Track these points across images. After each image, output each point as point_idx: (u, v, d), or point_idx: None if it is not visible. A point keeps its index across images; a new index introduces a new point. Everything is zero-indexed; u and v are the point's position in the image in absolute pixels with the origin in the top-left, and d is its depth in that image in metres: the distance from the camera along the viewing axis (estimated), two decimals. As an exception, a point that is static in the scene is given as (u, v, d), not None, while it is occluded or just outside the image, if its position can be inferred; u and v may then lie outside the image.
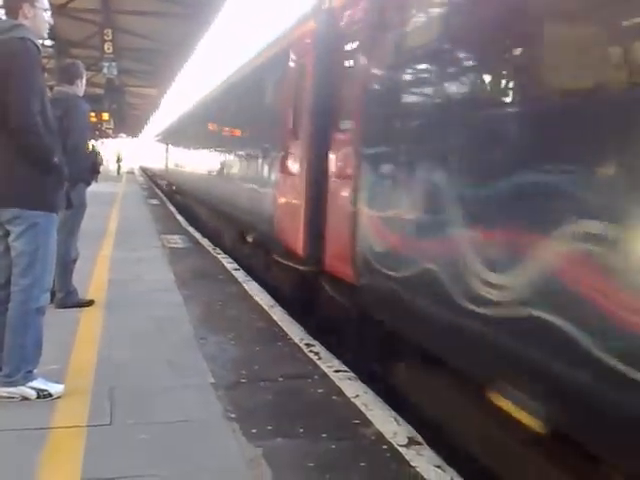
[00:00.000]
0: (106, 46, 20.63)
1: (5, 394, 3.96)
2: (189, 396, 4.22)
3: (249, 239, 9.78)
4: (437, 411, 4.21)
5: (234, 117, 11.93)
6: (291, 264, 6.97)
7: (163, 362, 4.86)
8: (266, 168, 8.40)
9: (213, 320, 6.21)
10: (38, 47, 3.96)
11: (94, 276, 8.08)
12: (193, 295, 7.26)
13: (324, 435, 3.68)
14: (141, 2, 18.60)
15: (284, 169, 7.35)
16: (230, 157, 11.98)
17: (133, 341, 5.38)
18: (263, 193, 8.49)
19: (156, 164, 39.97)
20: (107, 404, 4.00)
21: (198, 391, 4.32)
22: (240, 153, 10.79)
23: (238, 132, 11.34)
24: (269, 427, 3.75)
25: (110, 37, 20.56)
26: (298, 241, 6.55)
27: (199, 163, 16.71)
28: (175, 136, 25.86)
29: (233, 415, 3.90)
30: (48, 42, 22.11)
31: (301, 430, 3.74)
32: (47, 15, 4.18)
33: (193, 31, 21.48)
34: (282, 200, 7.42)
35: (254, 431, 3.68)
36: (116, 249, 10.53)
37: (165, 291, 7.47)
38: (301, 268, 6.60)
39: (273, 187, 7.87)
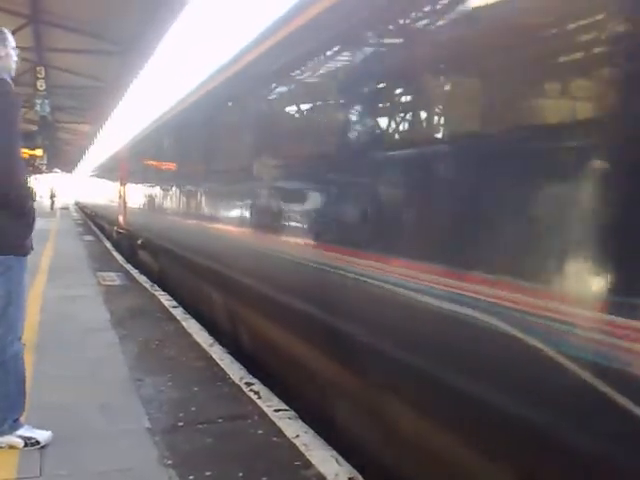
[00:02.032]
0: (39, 83, 20.28)
1: None
2: (124, 442, 4.07)
3: None
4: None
5: None
6: None
7: (96, 406, 4.68)
8: None
9: (150, 360, 6.05)
10: (11, 86, 3.80)
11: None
12: (129, 334, 7.07)
13: (264, 479, 3.59)
14: (74, 40, 18.38)
15: None
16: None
17: (65, 385, 5.17)
18: None
19: (100, 201, 29.30)
20: (37, 454, 3.82)
21: (133, 436, 4.18)
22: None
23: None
24: (207, 473, 3.64)
25: (42, 75, 20.22)
26: None
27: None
28: (146, 160, 15.09)
29: (170, 461, 3.77)
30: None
31: (240, 474, 3.63)
32: (15, 53, 4.06)
33: (128, 68, 21.31)
34: None
35: (191, 478, 3.56)
36: (49, 287, 10.21)
37: (100, 331, 7.26)
38: None
39: None
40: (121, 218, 18.95)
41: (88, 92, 25.33)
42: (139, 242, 15.36)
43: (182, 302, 9.58)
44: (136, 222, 16.02)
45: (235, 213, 6.81)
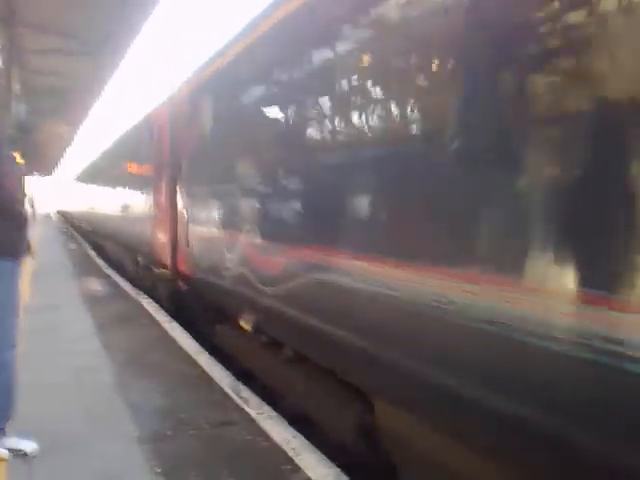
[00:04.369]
0: (13, 86, 20.11)
1: None
2: (112, 450, 4.08)
3: None
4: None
5: None
6: None
7: (83, 415, 4.69)
8: None
9: (136, 367, 6.04)
10: None
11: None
12: (114, 341, 7.07)
13: (253, 484, 3.62)
14: (45, 40, 18.27)
15: None
16: None
17: (51, 394, 5.16)
18: None
19: (105, 211, 19.01)
20: (25, 466, 3.82)
21: (121, 444, 4.19)
22: None
23: None
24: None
25: (16, 77, 20.06)
26: None
27: None
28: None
29: (159, 469, 3.78)
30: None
31: (230, 480, 3.66)
32: None
33: (101, 68, 21.19)
34: None
35: (180, 486, 3.58)
36: (32, 296, 10.11)
37: (84, 339, 7.24)
38: None
39: None
40: (164, 250, 9.42)
41: (65, 93, 25.17)
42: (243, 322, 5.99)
43: None
44: (246, 269, 5.72)
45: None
